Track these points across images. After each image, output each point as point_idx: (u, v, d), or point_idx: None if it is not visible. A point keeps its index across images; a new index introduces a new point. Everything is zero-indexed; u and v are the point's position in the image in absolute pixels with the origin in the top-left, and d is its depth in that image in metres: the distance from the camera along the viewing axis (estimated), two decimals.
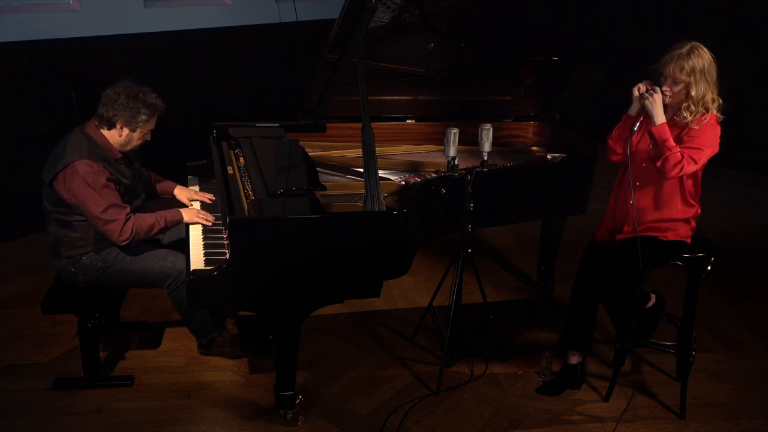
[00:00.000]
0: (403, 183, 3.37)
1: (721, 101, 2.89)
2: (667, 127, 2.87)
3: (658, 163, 2.88)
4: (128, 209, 3.04)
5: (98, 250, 3.09)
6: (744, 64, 5.94)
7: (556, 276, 4.23)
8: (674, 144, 2.85)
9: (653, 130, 2.88)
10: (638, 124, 2.96)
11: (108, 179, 2.98)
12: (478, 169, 3.13)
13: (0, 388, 3.18)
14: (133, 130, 3.05)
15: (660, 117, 2.87)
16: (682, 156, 2.83)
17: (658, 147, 2.87)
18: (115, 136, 3.05)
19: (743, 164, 6.27)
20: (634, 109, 3.00)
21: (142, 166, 3.43)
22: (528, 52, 7.06)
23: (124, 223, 2.98)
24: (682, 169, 2.83)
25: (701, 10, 6.27)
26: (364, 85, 2.97)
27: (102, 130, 3.05)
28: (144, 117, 3.03)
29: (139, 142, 3.12)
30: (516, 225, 4.91)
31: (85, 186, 2.92)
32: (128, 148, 3.11)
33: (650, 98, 2.86)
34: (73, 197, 2.95)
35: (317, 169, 3.25)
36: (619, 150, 3.08)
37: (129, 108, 2.99)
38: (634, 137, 2.99)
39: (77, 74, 4.80)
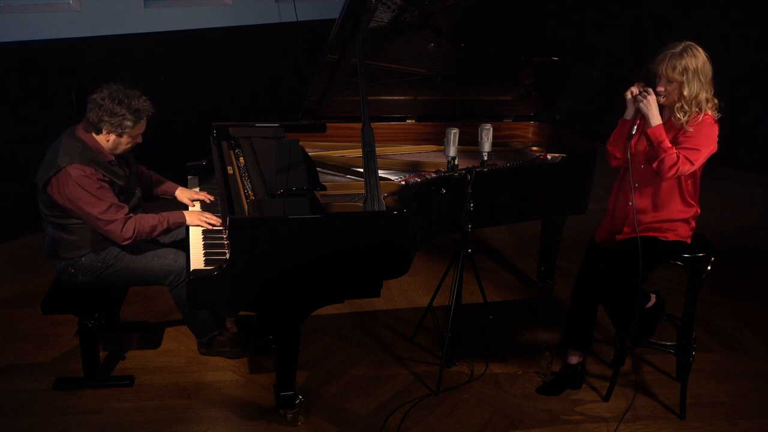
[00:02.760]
0: (403, 183, 3.37)
1: (716, 101, 2.88)
2: (662, 129, 2.86)
3: (654, 165, 2.87)
4: (126, 209, 3.03)
5: (97, 251, 3.09)
6: (743, 64, 5.94)
7: (556, 276, 4.22)
8: (670, 145, 2.84)
9: (649, 131, 2.87)
10: (636, 126, 2.96)
11: (100, 181, 2.97)
12: (478, 169, 3.13)
13: (0, 388, 3.18)
14: (119, 136, 3.02)
15: (655, 118, 2.86)
16: (678, 157, 2.82)
17: (654, 148, 2.87)
18: (103, 141, 3.03)
19: (743, 164, 6.27)
20: (629, 113, 2.99)
21: (142, 168, 3.43)
22: (528, 52, 7.05)
23: (125, 223, 2.98)
24: (678, 170, 2.83)
25: (701, 10, 6.27)
26: (364, 85, 2.97)
27: (91, 134, 3.03)
28: (129, 123, 2.99)
29: (129, 146, 3.09)
30: (516, 225, 4.91)
31: (80, 190, 2.91)
32: (118, 151, 3.09)
33: (644, 100, 2.85)
34: (69, 201, 2.94)
35: (317, 169, 3.25)
36: (618, 154, 3.07)
37: (114, 114, 2.95)
38: (632, 140, 2.99)
39: (77, 74, 4.79)
